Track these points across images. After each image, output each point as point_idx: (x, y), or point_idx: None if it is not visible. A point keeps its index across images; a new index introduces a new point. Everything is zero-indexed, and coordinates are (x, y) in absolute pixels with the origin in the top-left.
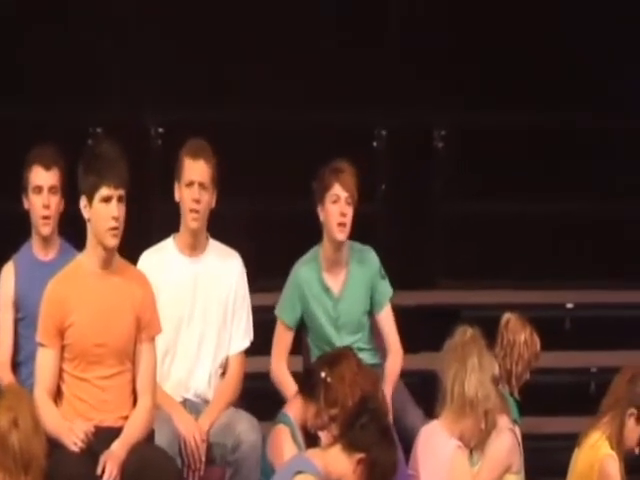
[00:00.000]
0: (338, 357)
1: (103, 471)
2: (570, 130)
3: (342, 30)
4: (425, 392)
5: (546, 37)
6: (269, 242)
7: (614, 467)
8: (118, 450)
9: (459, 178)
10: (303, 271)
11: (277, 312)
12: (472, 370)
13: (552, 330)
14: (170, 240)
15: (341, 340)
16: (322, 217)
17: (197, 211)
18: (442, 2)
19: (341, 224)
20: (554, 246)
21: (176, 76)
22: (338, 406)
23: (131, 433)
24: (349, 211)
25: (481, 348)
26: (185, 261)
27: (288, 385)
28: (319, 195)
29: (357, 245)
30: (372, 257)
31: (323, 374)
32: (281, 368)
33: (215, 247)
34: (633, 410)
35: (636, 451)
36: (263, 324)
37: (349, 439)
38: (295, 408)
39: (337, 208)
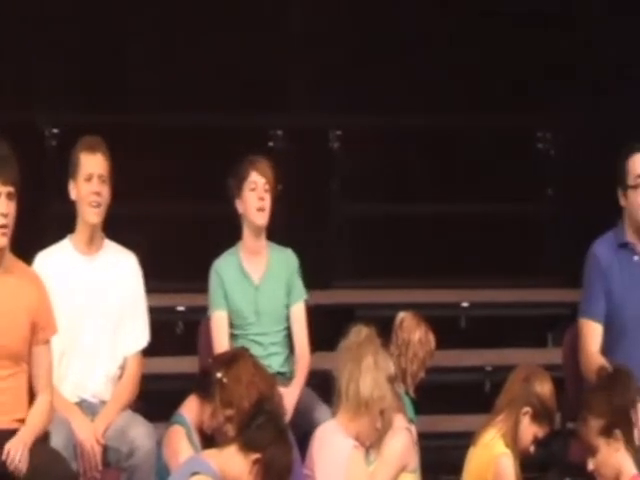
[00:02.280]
0: (234, 357)
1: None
2: (464, 132)
3: (242, 30)
4: (321, 391)
5: (429, 38)
6: (167, 243)
7: (508, 465)
8: (23, 436)
9: (355, 178)
10: (222, 262)
11: (210, 309)
12: (367, 369)
13: (447, 329)
14: (66, 240)
15: (262, 326)
16: (241, 209)
17: (98, 204)
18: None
19: (260, 209)
20: (449, 246)
21: (69, 77)
22: (234, 407)
23: (35, 423)
24: (267, 197)
25: (376, 347)
26: (81, 261)
27: None
28: (236, 188)
29: (277, 245)
30: (292, 256)
31: (219, 374)
32: None
33: (111, 247)
34: (528, 409)
35: (530, 450)
36: (159, 325)
37: (245, 439)
38: (191, 409)
39: (255, 194)
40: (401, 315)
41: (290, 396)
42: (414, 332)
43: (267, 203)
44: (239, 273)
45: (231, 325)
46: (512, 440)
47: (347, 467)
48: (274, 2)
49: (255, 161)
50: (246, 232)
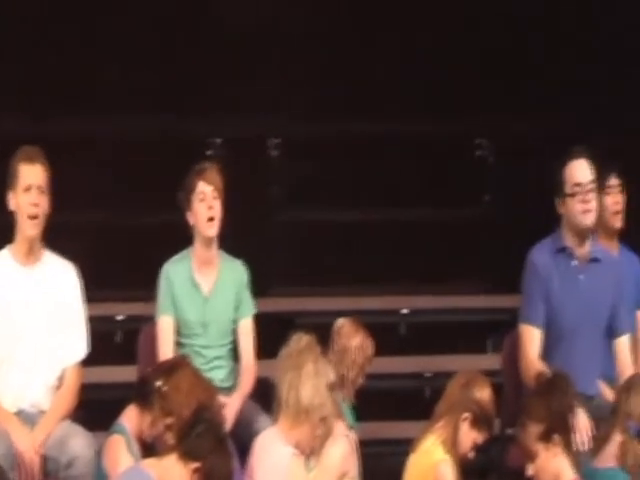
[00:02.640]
0: (174, 366)
1: None
2: (403, 139)
3: (176, 37)
4: (261, 399)
5: (370, 46)
6: (106, 252)
7: (448, 471)
8: None
9: (294, 186)
10: (173, 268)
11: (157, 313)
12: (307, 377)
13: (387, 336)
14: (5, 251)
15: (208, 339)
16: (192, 221)
17: (36, 216)
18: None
19: (210, 219)
20: (389, 252)
21: (7, 86)
22: (174, 415)
23: None
24: (217, 205)
25: (316, 355)
26: (20, 271)
27: None
28: (186, 200)
29: (228, 256)
30: (242, 268)
31: (158, 383)
32: None
33: (50, 258)
34: (467, 415)
35: (470, 455)
36: (98, 334)
37: (185, 448)
38: (130, 418)
39: (204, 205)
40: (340, 322)
41: (231, 406)
42: (353, 338)
43: (217, 211)
44: (189, 283)
45: (177, 332)
46: (452, 446)
47: (287, 475)
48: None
49: (202, 170)
50: (197, 243)
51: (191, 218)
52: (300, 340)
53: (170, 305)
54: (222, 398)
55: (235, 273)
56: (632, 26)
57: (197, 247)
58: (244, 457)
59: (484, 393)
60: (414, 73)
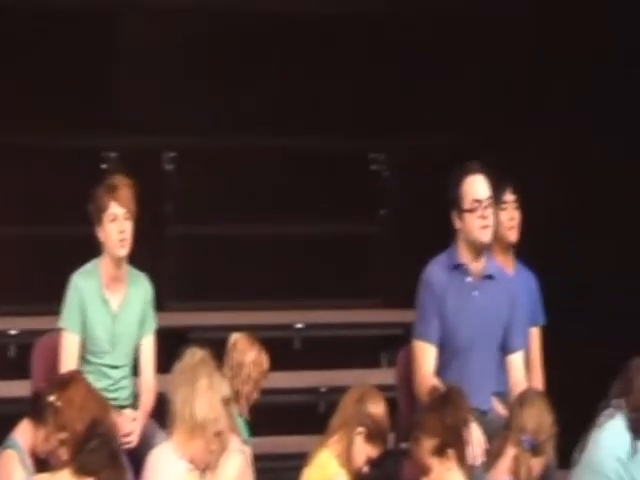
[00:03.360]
0: (67, 381)
1: None
2: (299, 153)
3: (70, 50)
4: (156, 414)
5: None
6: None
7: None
8: None
9: (189, 200)
10: (82, 281)
11: (63, 324)
12: (202, 392)
13: (282, 350)
14: None
15: (115, 357)
16: (101, 237)
17: None
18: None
19: (122, 240)
20: (283, 267)
21: None
22: (67, 430)
23: None
24: (128, 227)
25: (211, 370)
26: None
27: None
28: (96, 216)
29: (135, 270)
30: (147, 284)
31: (52, 398)
32: None
33: None
34: (361, 429)
35: (364, 470)
36: None
37: (78, 463)
38: (24, 432)
39: (116, 226)
40: (234, 336)
41: (138, 422)
42: (247, 353)
43: (128, 233)
44: (98, 298)
45: (83, 348)
46: (346, 460)
47: None
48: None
49: (113, 189)
50: (107, 258)
51: (101, 234)
52: (194, 355)
53: (78, 321)
54: (130, 411)
55: (141, 289)
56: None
57: (107, 263)
58: (140, 473)
59: (378, 408)
60: (308, 88)
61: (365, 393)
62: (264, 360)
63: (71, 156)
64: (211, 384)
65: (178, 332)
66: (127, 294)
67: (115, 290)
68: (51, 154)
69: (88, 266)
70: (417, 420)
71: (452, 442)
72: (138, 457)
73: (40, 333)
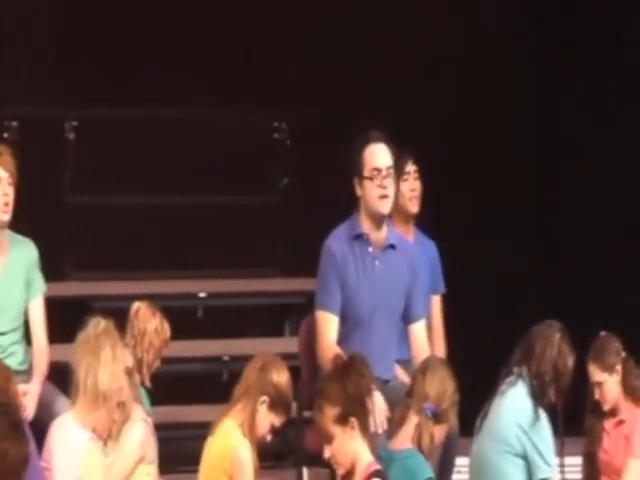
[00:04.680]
0: None
1: None
2: (202, 123)
3: None
4: (58, 384)
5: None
6: None
7: (246, 454)
8: None
9: (90, 169)
10: None
11: None
12: (105, 362)
13: (185, 319)
14: None
15: (1, 324)
16: None
17: None
18: None
19: (5, 204)
20: (186, 236)
21: None
22: None
23: None
24: (11, 192)
25: (115, 340)
26: None
27: None
28: None
29: (18, 236)
30: (32, 247)
31: None
32: None
33: None
34: (265, 398)
35: (267, 438)
36: None
37: None
38: None
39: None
40: (136, 305)
41: (32, 392)
42: (150, 321)
43: (11, 198)
44: None
45: None
46: (249, 429)
47: (83, 459)
48: None
49: None
50: None
51: None
52: (98, 325)
53: None
54: (21, 385)
55: (25, 252)
56: None
57: None
58: (42, 440)
59: (281, 376)
60: (217, 59)
61: (268, 362)
62: (166, 328)
63: None
64: (115, 355)
65: (81, 301)
66: (9, 259)
67: None
68: None
69: None
70: (320, 388)
71: (355, 410)
72: (39, 424)
73: None
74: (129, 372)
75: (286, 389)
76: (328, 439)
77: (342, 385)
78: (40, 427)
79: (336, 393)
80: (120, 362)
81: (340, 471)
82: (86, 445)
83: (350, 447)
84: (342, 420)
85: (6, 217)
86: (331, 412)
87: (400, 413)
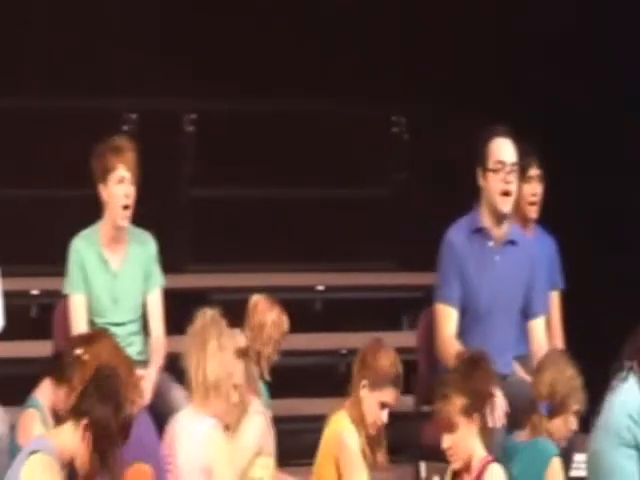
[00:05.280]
0: (95, 336)
1: None
2: (320, 116)
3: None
4: (175, 375)
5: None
6: (20, 227)
7: (352, 439)
8: None
9: (210, 162)
10: (80, 243)
11: (67, 290)
12: (212, 354)
13: (303, 312)
14: None
15: (119, 315)
16: (104, 196)
17: None
18: None
19: (126, 207)
20: (305, 229)
21: None
22: None
23: None
24: (132, 192)
25: (220, 329)
26: None
27: None
28: (101, 175)
29: (137, 229)
30: (151, 240)
31: (78, 351)
32: None
33: None
34: (364, 382)
35: (383, 419)
36: (13, 309)
37: (74, 410)
38: (45, 392)
39: (122, 190)
40: (255, 298)
41: (149, 378)
42: (268, 314)
43: (132, 198)
44: (98, 258)
45: (89, 310)
46: (358, 415)
47: (209, 445)
48: None
49: (121, 152)
50: (108, 219)
51: (104, 193)
52: (204, 316)
53: (81, 282)
54: (139, 370)
55: (143, 245)
56: None
57: (107, 224)
58: (161, 426)
59: (376, 357)
60: (333, 51)
61: (365, 349)
62: (284, 321)
63: (93, 116)
64: (221, 344)
65: (199, 294)
66: (128, 252)
67: (115, 249)
68: (74, 114)
69: (87, 229)
70: (446, 379)
71: (479, 406)
72: (157, 412)
73: (62, 294)
74: (241, 353)
75: (382, 364)
76: (451, 428)
77: (469, 379)
78: (157, 414)
79: (464, 386)
80: (227, 349)
81: (456, 465)
82: (209, 432)
83: (469, 440)
84: (467, 413)
85: (125, 222)
86: (459, 402)
87: (522, 408)
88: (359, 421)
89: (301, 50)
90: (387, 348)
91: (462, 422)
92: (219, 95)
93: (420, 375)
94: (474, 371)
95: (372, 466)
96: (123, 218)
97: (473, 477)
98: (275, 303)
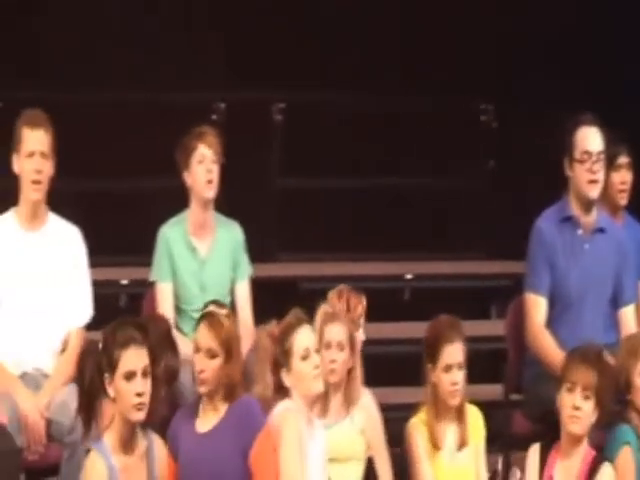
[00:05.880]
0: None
1: None
2: (408, 105)
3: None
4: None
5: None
6: (109, 218)
7: (416, 434)
8: None
9: (297, 151)
10: (169, 231)
11: (154, 277)
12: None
13: (391, 301)
14: (9, 213)
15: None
16: (189, 181)
17: (39, 182)
18: None
19: (209, 181)
20: (393, 218)
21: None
22: None
23: None
24: (215, 169)
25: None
26: (23, 234)
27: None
28: (183, 160)
29: (224, 217)
30: (238, 229)
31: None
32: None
33: (55, 221)
34: (429, 365)
35: (461, 375)
36: (103, 298)
37: None
38: None
39: (203, 167)
40: (339, 288)
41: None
42: (337, 305)
43: (215, 175)
44: (186, 246)
45: (176, 297)
46: (431, 397)
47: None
48: None
49: (202, 133)
50: (194, 205)
51: (188, 179)
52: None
53: (169, 270)
54: None
55: (231, 234)
56: None
57: (194, 209)
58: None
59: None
60: (417, 39)
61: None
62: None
63: (182, 107)
64: None
65: (287, 283)
66: (216, 239)
67: (203, 237)
68: (164, 106)
69: (175, 217)
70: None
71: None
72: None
73: (150, 283)
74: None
75: (437, 338)
76: (627, 389)
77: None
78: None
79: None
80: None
81: (575, 428)
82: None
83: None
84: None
85: (210, 194)
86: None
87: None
88: (432, 401)
89: (399, 38)
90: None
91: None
92: (308, 85)
93: (509, 364)
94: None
95: (460, 445)
96: (210, 190)
97: (581, 468)
98: (346, 294)
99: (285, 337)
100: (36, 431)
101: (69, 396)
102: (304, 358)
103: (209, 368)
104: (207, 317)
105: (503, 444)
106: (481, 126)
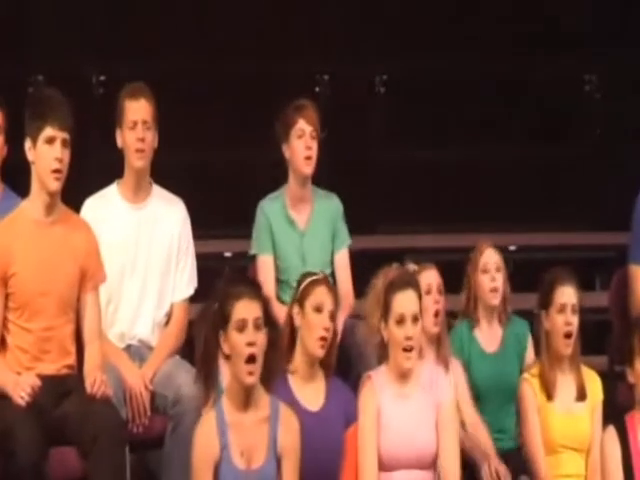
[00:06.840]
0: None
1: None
2: (509, 76)
3: None
4: None
5: None
6: (213, 190)
7: (527, 389)
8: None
9: (401, 123)
10: (268, 205)
11: (255, 251)
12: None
13: None
14: (113, 186)
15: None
16: (287, 154)
17: (142, 150)
18: None
19: (308, 157)
20: (496, 189)
21: (115, 25)
22: None
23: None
24: (314, 145)
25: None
26: (128, 207)
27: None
28: (283, 133)
29: (321, 190)
30: (336, 201)
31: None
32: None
33: (159, 193)
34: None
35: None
36: (207, 271)
37: None
38: None
39: (302, 143)
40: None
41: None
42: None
43: (314, 151)
44: (285, 219)
45: (277, 269)
46: (546, 346)
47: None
48: None
49: (302, 108)
50: (292, 178)
51: (287, 152)
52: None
53: (269, 243)
54: None
55: (329, 206)
56: None
57: (292, 183)
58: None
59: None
60: (521, 10)
61: None
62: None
63: (285, 79)
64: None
65: (393, 255)
66: (314, 212)
67: (301, 209)
68: (264, 78)
69: (274, 192)
70: None
71: None
72: (342, 351)
73: (254, 256)
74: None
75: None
76: None
77: None
78: (343, 353)
79: None
80: None
81: None
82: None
83: None
84: None
85: (309, 170)
86: None
87: None
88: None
89: (491, 10)
90: None
91: None
92: (410, 57)
93: (614, 335)
94: None
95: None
96: (308, 166)
97: None
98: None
99: (388, 296)
100: (141, 404)
101: (173, 368)
102: (398, 322)
103: (331, 331)
104: (324, 281)
105: (608, 416)
106: (584, 96)
